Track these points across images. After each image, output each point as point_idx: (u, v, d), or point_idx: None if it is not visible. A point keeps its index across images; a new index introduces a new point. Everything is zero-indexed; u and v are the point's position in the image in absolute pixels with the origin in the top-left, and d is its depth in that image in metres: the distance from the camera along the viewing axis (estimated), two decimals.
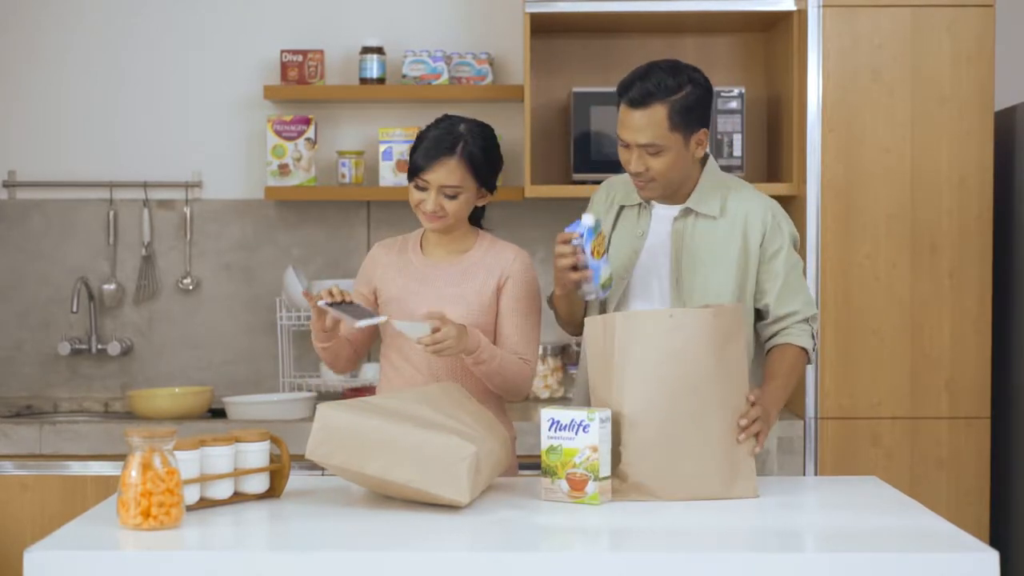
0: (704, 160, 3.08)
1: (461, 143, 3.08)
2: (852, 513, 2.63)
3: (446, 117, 3.17)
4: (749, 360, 3.04)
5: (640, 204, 3.10)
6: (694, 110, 2.96)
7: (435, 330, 2.91)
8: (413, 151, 3.13)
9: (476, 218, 3.24)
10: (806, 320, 3.08)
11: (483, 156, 3.11)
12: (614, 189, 3.17)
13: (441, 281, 3.16)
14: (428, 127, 3.15)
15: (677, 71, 2.96)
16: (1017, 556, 3.90)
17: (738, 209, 3.06)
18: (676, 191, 3.05)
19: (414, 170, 3.10)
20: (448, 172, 3.07)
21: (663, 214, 3.08)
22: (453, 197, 3.09)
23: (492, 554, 2.33)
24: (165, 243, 4.51)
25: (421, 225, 3.20)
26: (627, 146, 2.97)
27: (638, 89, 2.93)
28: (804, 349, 3.07)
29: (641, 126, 2.93)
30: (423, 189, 3.09)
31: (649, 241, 3.08)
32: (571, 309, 3.11)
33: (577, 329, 3.13)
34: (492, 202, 3.23)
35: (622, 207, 3.13)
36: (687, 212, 3.06)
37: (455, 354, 2.99)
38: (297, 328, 4.40)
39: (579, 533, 2.48)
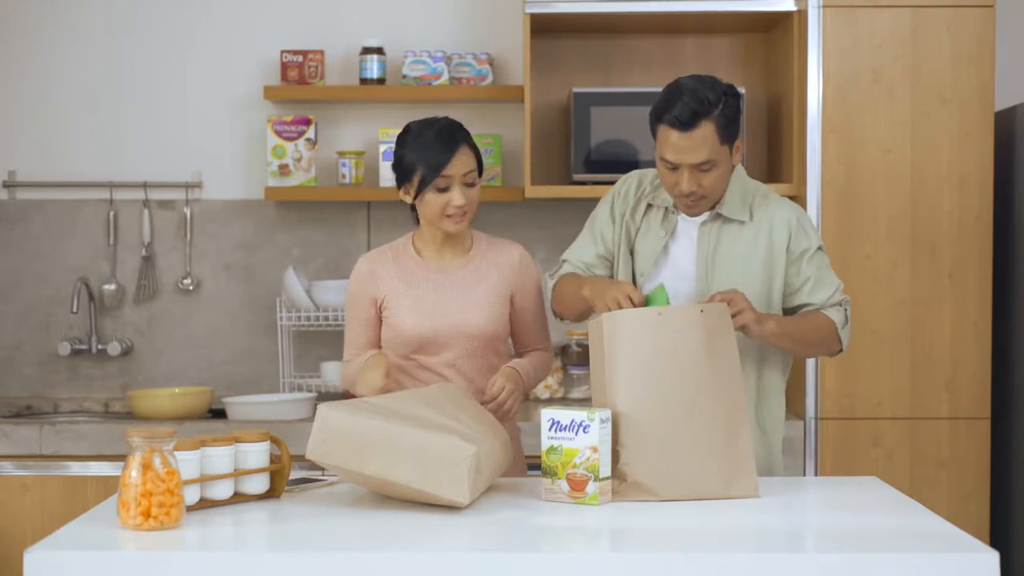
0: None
1: (461, 132, 3.13)
2: (852, 513, 2.63)
3: (417, 123, 3.14)
4: (783, 375, 3.09)
5: (667, 207, 3.07)
6: (734, 120, 2.95)
7: (492, 397, 3.05)
8: (413, 164, 3.08)
9: None
10: (839, 303, 3.07)
11: (475, 143, 3.18)
12: (645, 183, 3.13)
13: (456, 289, 3.17)
14: (413, 137, 3.10)
15: (713, 85, 2.93)
16: (1017, 556, 3.90)
17: (763, 214, 3.05)
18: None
19: (434, 169, 3.05)
20: (466, 159, 3.10)
21: (689, 217, 3.07)
22: (472, 185, 3.12)
23: (492, 554, 2.33)
24: (165, 243, 4.51)
25: (412, 230, 3.22)
26: (675, 168, 2.93)
27: (684, 110, 2.88)
28: (833, 321, 3.05)
29: (694, 146, 2.89)
30: (445, 190, 3.08)
31: (675, 243, 3.05)
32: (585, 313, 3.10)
33: (578, 317, 3.14)
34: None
35: (649, 205, 3.11)
36: (715, 217, 3.04)
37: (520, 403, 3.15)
38: (297, 328, 4.40)
39: (579, 533, 2.48)
